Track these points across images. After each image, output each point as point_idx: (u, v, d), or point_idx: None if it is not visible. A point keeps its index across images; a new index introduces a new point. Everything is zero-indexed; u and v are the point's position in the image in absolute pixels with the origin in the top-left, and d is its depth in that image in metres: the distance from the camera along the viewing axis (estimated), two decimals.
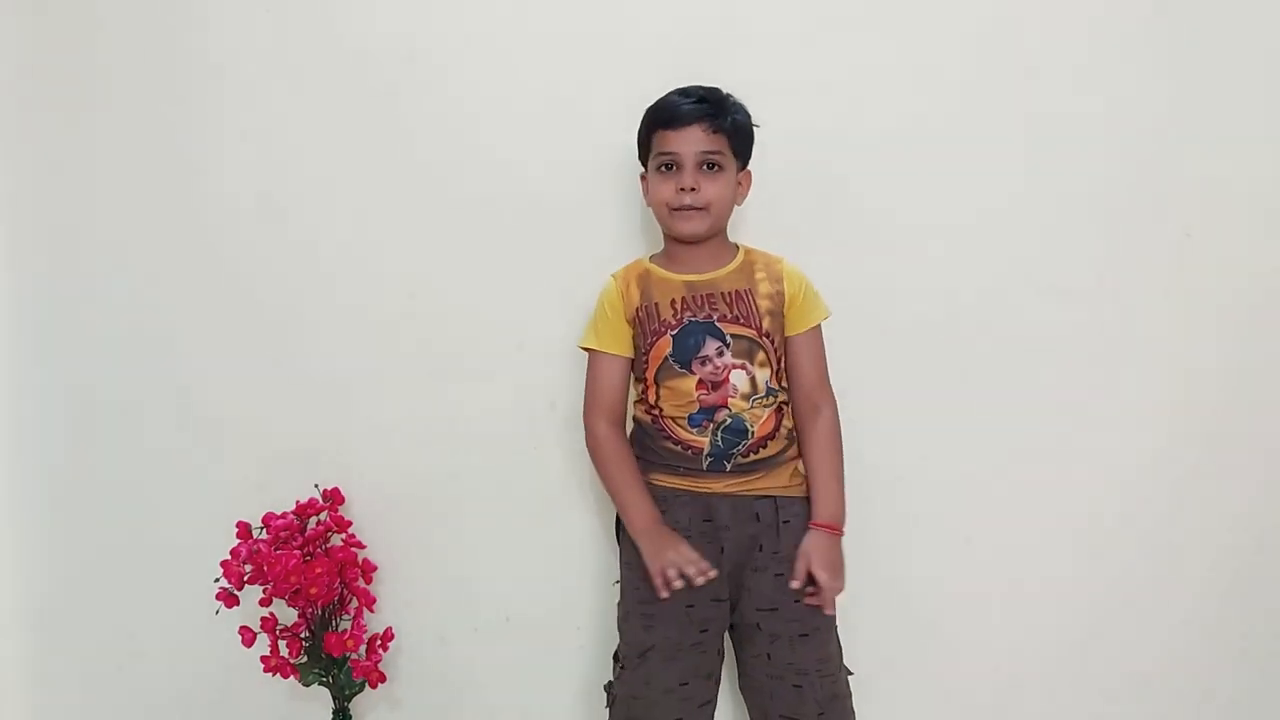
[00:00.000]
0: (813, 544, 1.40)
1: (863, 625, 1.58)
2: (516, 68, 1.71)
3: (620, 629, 1.49)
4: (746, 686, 1.46)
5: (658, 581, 1.35)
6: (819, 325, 1.48)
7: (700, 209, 1.42)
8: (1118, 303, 1.66)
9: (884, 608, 1.64)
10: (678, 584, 1.33)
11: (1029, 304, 1.66)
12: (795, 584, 1.38)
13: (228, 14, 1.75)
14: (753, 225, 1.61)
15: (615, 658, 1.49)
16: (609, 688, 1.50)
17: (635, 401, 1.50)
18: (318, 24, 1.74)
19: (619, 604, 1.50)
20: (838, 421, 1.48)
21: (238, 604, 1.64)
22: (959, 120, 1.65)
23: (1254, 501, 1.67)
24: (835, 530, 1.42)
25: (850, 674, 1.46)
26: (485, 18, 1.70)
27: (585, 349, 1.50)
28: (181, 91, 1.78)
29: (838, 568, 1.40)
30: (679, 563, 1.33)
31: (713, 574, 1.34)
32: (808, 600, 1.40)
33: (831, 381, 1.49)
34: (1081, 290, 1.66)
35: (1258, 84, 1.63)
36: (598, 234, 1.70)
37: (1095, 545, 1.68)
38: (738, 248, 1.50)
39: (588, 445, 1.49)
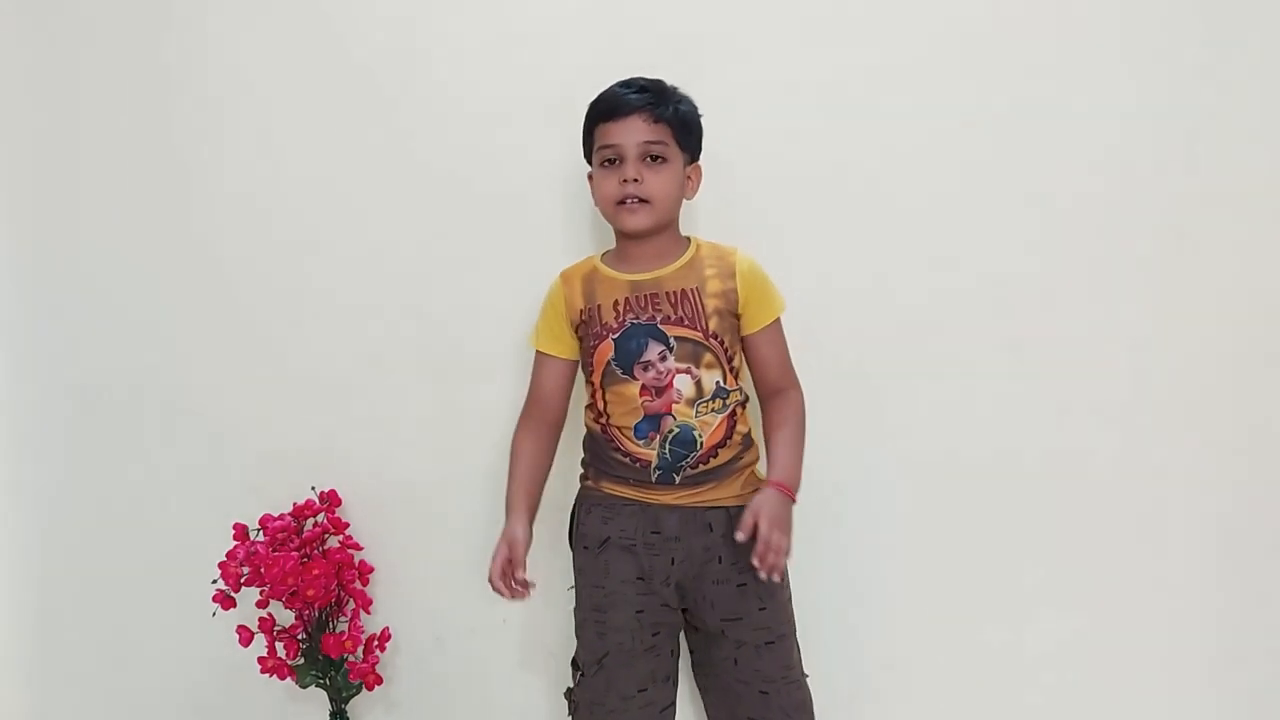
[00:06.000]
0: (763, 499, 1.32)
1: (862, 627, 1.58)
2: (515, 67, 1.71)
3: (577, 635, 1.47)
4: (711, 688, 1.44)
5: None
6: (778, 319, 1.44)
7: (644, 201, 1.38)
8: (1109, 303, 1.66)
9: (884, 609, 1.65)
10: (510, 590, 1.39)
11: (1020, 304, 1.67)
12: (741, 536, 1.29)
13: (226, 14, 1.76)
14: (750, 223, 1.61)
15: (574, 664, 1.47)
16: (569, 694, 1.48)
17: (586, 407, 1.47)
18: (314, 23, 1.74)
19: (575, 610, 1.48)
20: (802, 402, 1.44)
21: (235, 606, 1.64)
22: (952, 120, 1.65)
23: (1250, 500, 1.67)
24: (787, 491, 1.35)
25: (806, 675, 1.43)
26: (484, 18, 1.71)
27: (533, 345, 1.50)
28: (179, 91, 1.79)
29: (784, 526, 1.31)
30: (493, 575, 1.40)
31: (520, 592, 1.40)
32: (752, 559, 1.29)
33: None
34: (1073, 290, 1.66)
35: (1252, 83, 1.64)
36: (596, 235, 1.70)
37: (1093, 545, 1.68)
38: (689, 241, 1.47)
39: None
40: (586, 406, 1.47)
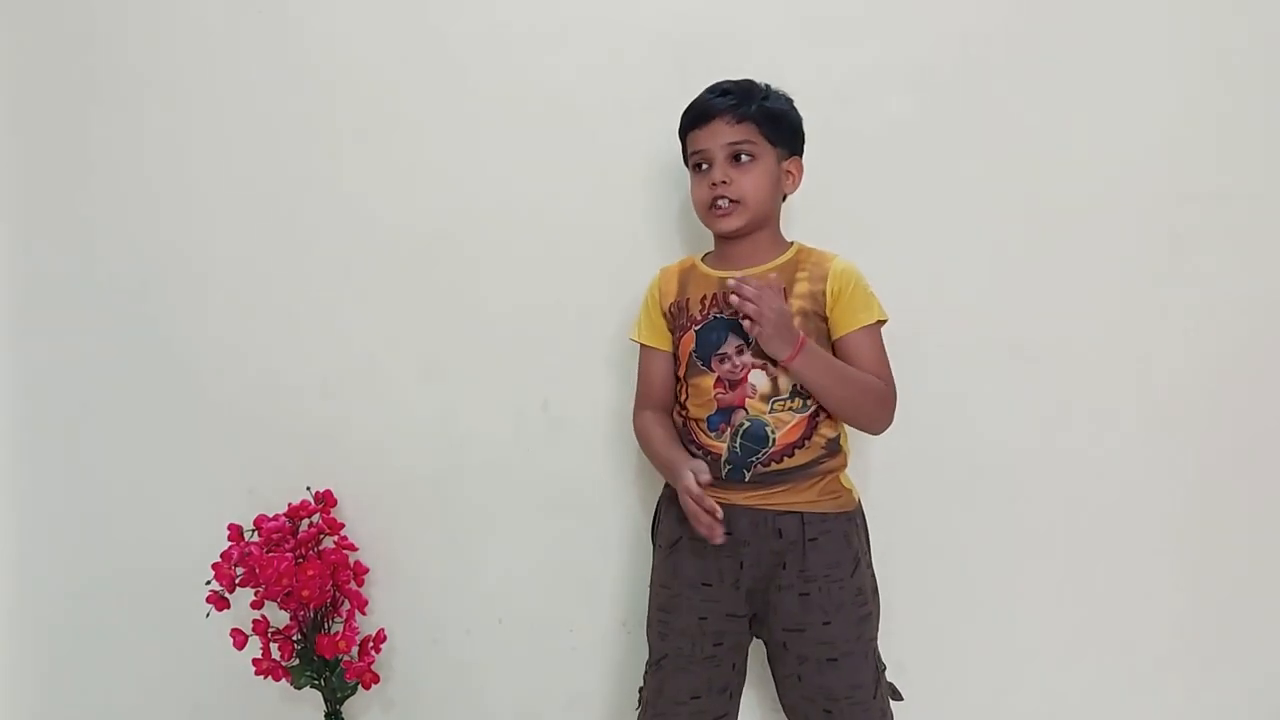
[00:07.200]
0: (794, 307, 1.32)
1: None
2: (512, 67, 1.70)
3: (646, 634, 1.48)
4: (784, 706, 1.44)
5: (700, 523, 1.28)
6: (874, 327, 1.39)
7: (734, 201, 1.38)
8: (1105, 306, 1.67)
9: (882, 609, 1.64)
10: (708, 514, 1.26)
11: (1018, 306, 1.67)
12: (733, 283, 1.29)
13: (224, 14, 1.75)
14: None
15: (646, 663, 1.49)
16: (641, 691, 1.49)
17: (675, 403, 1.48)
18: (320, 21, 1.73)
19: (648, 607, 1.49)
20: (886, 392, 1.37)
21: (229, 607, 1.63)
22: (951, 122, 1.65)
23: (1251, 500, 1.68)
24: (801, 343, 1.30)
25: (899, 699, 1.43)
26: (494, 17, 1.70)
27: (632, 340, 1.52)
28: (178, 90, 1.78)
29: (780, 324, 1.29)
30: (687, 496, 1.28)
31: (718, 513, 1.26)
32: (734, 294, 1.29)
33: None
34: (1070, 293, 1.66)
35: (1245, 87, 1.64)
36: (591, 236, 1.69)
37: (1090, 547, 1.69)
38: (790, 245, 1.46)
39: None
40: (675, 402, 1.47)
